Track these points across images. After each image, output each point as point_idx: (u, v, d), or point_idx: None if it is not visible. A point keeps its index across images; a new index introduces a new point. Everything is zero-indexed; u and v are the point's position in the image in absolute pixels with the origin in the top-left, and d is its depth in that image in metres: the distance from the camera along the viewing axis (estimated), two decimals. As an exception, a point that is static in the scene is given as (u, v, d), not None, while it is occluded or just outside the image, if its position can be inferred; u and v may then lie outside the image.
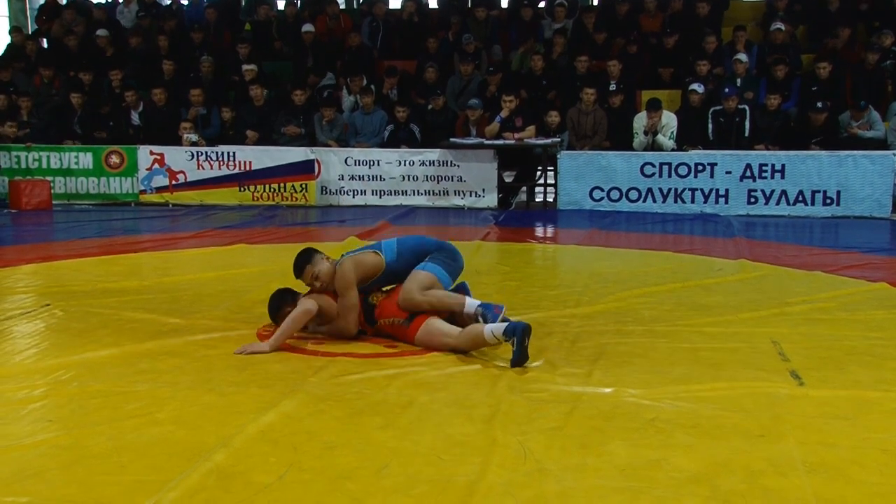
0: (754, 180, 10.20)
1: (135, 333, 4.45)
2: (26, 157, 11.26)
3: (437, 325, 4.27)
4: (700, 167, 10.32)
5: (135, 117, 11.82)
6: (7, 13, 19.07)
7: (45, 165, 11.29)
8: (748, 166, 10.19)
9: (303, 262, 4.47)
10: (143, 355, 4.05)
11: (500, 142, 10.75)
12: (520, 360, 3.89)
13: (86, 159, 11.31)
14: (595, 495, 2.52)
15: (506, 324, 4.00)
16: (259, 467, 2.71)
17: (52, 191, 11.07)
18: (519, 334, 3.89)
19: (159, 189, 11.24)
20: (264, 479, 2.62)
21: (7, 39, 14.92)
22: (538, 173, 11.36)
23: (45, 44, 14.12)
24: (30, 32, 14.91)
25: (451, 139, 10.91)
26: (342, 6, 15.65)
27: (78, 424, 3.11)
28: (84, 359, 3.97)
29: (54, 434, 3.02)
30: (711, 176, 10.29)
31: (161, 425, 3.13)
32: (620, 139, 10.83)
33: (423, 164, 10.95)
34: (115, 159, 11.28)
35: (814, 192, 10.08)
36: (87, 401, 3.39)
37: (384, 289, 4.58)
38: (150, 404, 3.36)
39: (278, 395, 3.42)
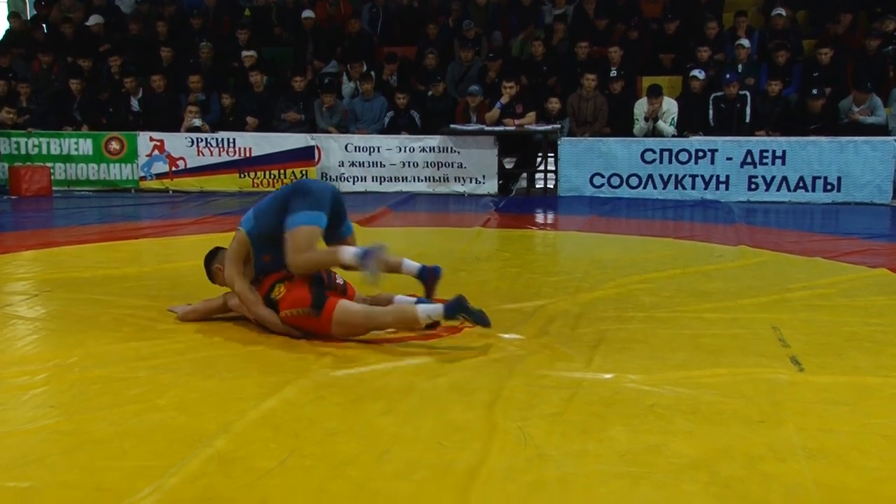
0: (755, 166, 10.20)
1: (136, 320, 4.45)
2: (26, 143, 11.24)
3: (353, 308, 4.01)
4: (701, 153, 10.31)
5: (134, 104, 11.79)
6: (5, -1, 19.00)
7: (44, 151, 11.27)
8: (749, 152, 10.19)
9: (208, 263, 4.52)
10: (144, 341, 4.05)
11: (501, 128, 10.73)
12: (484, 319, 3.91)
13: (86, 145, 11.30)
14: (595, 480, 2.53)
15: (442, 307, 3.90)
16: (260, 453, 2.72)
17: (52, 177, 11.06)
18: (463, 310, 3.87)
19: (159, 175, 11.23)
20: (265, 464, 2.62)
21: (6, 25, 14.87)
22: (538, 160, 11.35)
23: (44, 29, 14.06)
24: (28, 18, 14.85)
25: (452, 125, 10.89)
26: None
27: (79, 410, 3.12)
28: (85, 345, 3.98)
29: (56, 420, 3.02)
30: (712, 162, 10.29)
31: (162, 411, 3.13)
32: (621, 125, 10.81)
33: (423, 150, 10.94)
34: (115, 146, 11.27)
35: (814, 179, 10.08)
36: (89, 386, 3.39)
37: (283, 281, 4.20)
38: (151, 390, 3.36)
39: (280, 382, 3.42)
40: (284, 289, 4.13)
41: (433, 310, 3.96)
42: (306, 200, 4.14)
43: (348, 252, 4.04)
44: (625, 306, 4.81)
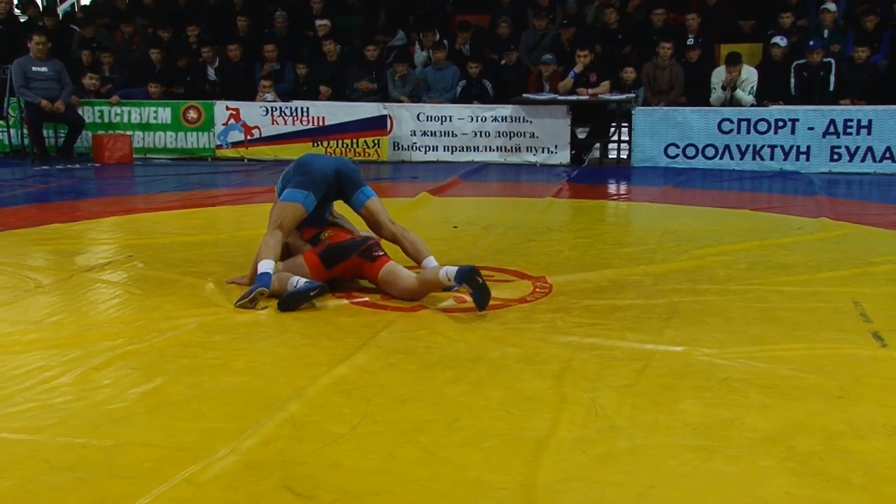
0: (838, 136, 9.87)
1: (212, 285, 4.55)
2: (109, 111, 11.54)
3: (399, 268, 4.31)
4: (780, 123, 10.02)
5: (211, 73, 11.98)
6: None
7: (126, 120, 11.56)
8: (832, 122, 9.86)
9: None
10: (219, 307, 4.14)
11: (574, 97, 10.60)
12: (482, 299, 3.96)
13: (164, 114, 11.55)
14: (667, 453, 2.50)
15: (456, 268, 4.02)
16: (332, 418, 2.76)
17: (133, 145, 11.35)
18: (468, 277, 3.94)
19: (235, 144, 11.42)
20: (338, 429, 2.67)
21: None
22: (612, 129, 11.19)
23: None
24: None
25: (524, 95, 10.80)
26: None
27: (158, 372, 3.21)
28: (163, 309, 4.09)
29: (136, 381, 3.12)
30: (792, 132, 9.99)
31: (237, 375, 3.20)
32: (698, 94, 10.57)
33: (495, 119, 10.88)
34: (192, 114, 11.49)
35: (902, 149, 9.71)
36: (167, 350, 3.49)
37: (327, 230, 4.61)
38: (227, 354, 3.44)
39: (350, 348, 3.47)
40: (332, 232, 4.54)
41: (450, 271, 4.07)
42: (297, 178, 4.48)
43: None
44: (699, 278, 4.72)
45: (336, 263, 4.36)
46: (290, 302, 4.03)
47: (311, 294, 4.06)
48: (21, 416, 2.77)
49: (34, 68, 10.81)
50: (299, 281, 4.15)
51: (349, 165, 4.67)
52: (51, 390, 2.99)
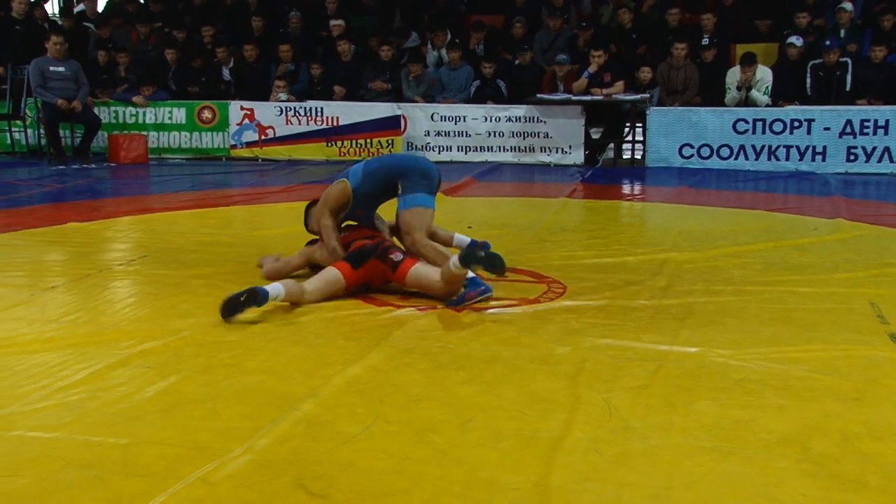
0: (854, 137, 9.81)
1: (226, 285, 4.56)
2: (124, 112, 11.59)
3: (426, 269, 4.27)
4: (796, 123, 9.96)
5: (226, 73, 12.03)
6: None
7: (141, 121, 11.61)
8: (848, 122, 9.80)
9: (308, 207, 4.82)
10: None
11: (588, 97, 10.58)
12: (495, 268, 3.95)
13: (179, 114, 11.60)
14: (682, 454, 2.49)
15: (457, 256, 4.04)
16: (346, 417, 2.77)
17: (148, 145, 11.40)
18: (470, 258, 3.94)
19: (249, 144, 11.46)
20: (351, 429, 2.67)
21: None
22: (626, 129, 11.16)
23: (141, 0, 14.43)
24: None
25: (538, 95, 10.78)
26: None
27: (174, 371, 3.22)
28: (179, 309, 4.10)
29: (152, 380, 3.13)
30: (808, 132, 9.94)
31: (252, 374, 3.21)
32: (713, 95, 10.52)
33: (509, 119, 10.88)
34: (207, 114, 11.53)
35: (921, 150, 9.64)
36: (183, 349, 3.50)
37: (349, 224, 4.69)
38: (241, 354, 3.45)
39: (364, 348, 3.47)
40: (360, 235, 4.58)
41: (454, 261, 4.06)
42: (424, 183, 4.49)
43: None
44: (714, 279, 4.70)
45: (361, 264, 4.31)
46: (226, 309, 3.85)
47: (242, 299, 3.84)
48: (37, 414, 2.78)
49: (52, 68, 10.87)
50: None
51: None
52: (67, 389, 3.00)
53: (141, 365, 3.31)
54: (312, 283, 4.19)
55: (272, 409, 2.82)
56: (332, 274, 4.26)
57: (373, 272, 4.34)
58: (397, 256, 4.34)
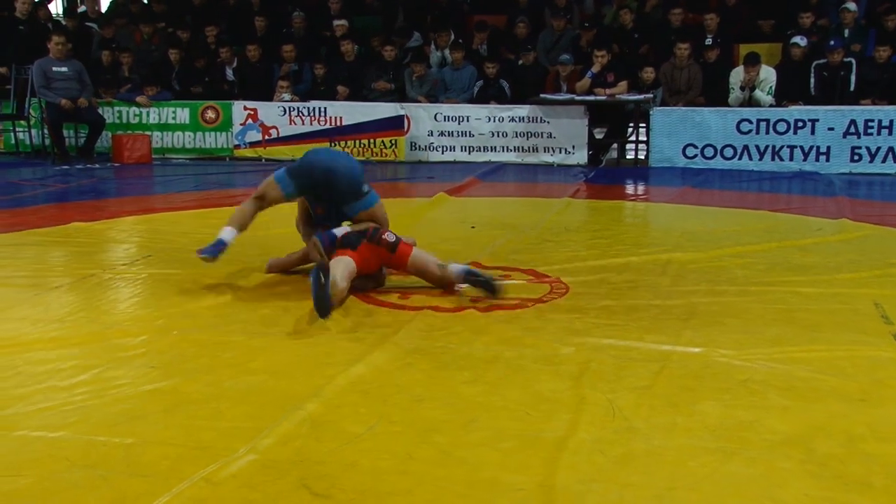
0: (859, 137, 9.78)
1: (230, 284, 4.58)
2: (128, 112, 11.60)
3: (425, 256, 4.40)
4: (800, 123, 9.94)
5: (229, 73, 12.03)
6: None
7: (144, 121, 11.62)
8: (852, 122, 9.78)
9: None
10: (238, 306, 4.16)
11: (591, 97, 10.57)
12: (492, 288, 4.15)
13: (183, 114, 11.60)
14: (685, 455, 2.49)
15: (461, 269, 4.26)
16: (349, 417, 2.77)
17: (152, 145, 11.40)
18: (470, 280, 4.17)
19: (253, 144, 11.46)
20: (355, 429, 2.67)
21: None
22: (629, 130, 11.15)
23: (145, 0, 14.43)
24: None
25: (542, 95, 10.78)
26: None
27: (177, 371, 3.22)
28: (182, 308, 4.11)
29: (156, 380, 3.13)
30: (812, 132, 9.91)
31: (255, 374, 3.22)
32: (716, 95, 10.51)
33: (512, 120, 10.87)
34: (210, 114, 11.54)
35: (925, 150, 9.62)
36: (186, 349, 3.51)
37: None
38: (245, 353, 3.46)
39: (367, 348, 3.47)
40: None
41: (457, 270, 4.26)
42: (295, 162, 4.67)
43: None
44: (717, 279, 4.70)
45: (356, 247, 4.31)
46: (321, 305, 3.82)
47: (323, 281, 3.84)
48: (41, 414, 2.79)
49: (54, 68, 10.88)
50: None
51: (348, 172, 4.51)
52: (71, 388, 3.01)
53: (144, 364, 3.31)
54: (337, 273, 4.13)
55: (275, 408, 2.82)
56: (343, 260, 4.25)
57: (368, 254, 4.34)
58: (391, 237, 4.37)
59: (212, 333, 3.71)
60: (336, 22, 12.20)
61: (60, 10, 15.88)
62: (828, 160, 9.91)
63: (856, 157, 9.84)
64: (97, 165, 10.70)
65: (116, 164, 10.89)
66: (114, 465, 2.42)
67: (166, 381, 3.12)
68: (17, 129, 11.72)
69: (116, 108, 11.59)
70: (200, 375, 3.19)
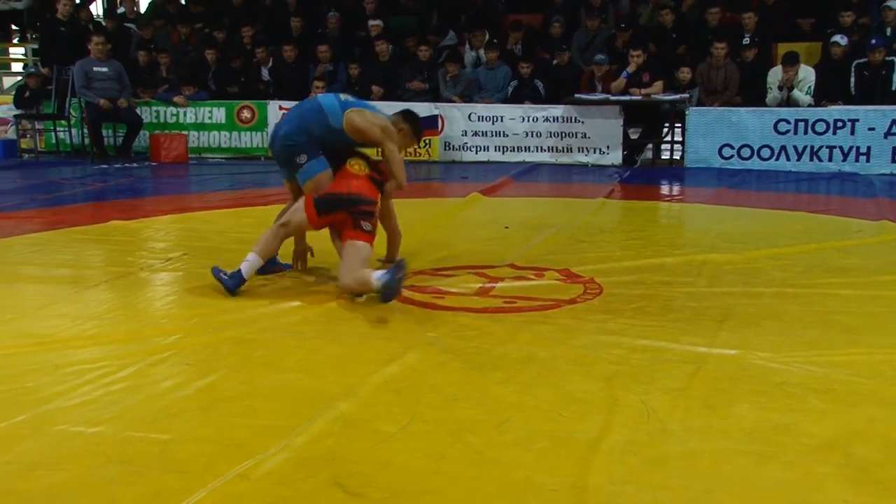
0: (900, 137, 9.61)
1: (264, 283, 4.60)
2: (165, 111, 11.73)
3: (344, 257, 4.31)
4: (840, 123, 9.79)
5: (265, 73, 12.12)
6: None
7: (181, 120, 11.74)
8: (894, 122, 9.61)
9: None
10: (271, 304, 4.18)
11: (627, 97, 10.50)
12: (385, 294, 3.96)
13: (219, 114, 11.71)
14: (720, 458, 2.47)
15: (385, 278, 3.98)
16: (383, 417, 2.77)
17: (188, 145, 11.52)
18: (391, 285, 3.94)
19: (287, 144, 11.49)
20: (388, 428, 2.68)
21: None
22: (665, 130, 11.06)
23: (182, 1, 14.58)
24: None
25: (576, 95, 10.73)
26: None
27: (212, 369, 3.25)
28: (217, 307, 4.14)
29: (191, 377, 3.17)
30: (852, 133, 9.76)
31: (288, 372, 3.24)
32: (754, 94, 10.38)
33: (546, 120, 10.83)
34: (246, 114, 11.63)
35: (969, 150, 9.43)
36: (220, 347, 3.54)
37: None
38: (278, 352, 3.48)
39: (401, 348, 3.48)
40: (354, 164, 4.62)
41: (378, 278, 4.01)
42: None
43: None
44: (753, 281, 4.64)
45: (328, 213, 4.39)
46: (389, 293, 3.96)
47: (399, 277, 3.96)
48: (80, 409, 2.83)
49: (95, 69, 11.05)
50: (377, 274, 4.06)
51: (279, 138, 4.70)
52: (108, 385, 3.05)
53: (180, 362, 3.34)
54: (286, 216, 4.43)
55: (309, 407, 2.84)
56: (297, 208, 4.44)
57: (336, 220, 4.42)
58: (367, 226, 4.38)
59: (246, 331, 3.73)
60: (371, 22, 12.24)
61: (101, 12, 16.09)
62: (868, 161, 9.75)
63: (897, 158, 9.67)
64: (135, 164, 10.85)
65: (153, 164, 11.02)
66: (150, 461, 2.45)
67: (201, 378, 3.15)
68: (57, 129, 11.92)
69: (154, 108, 11.73)
70: (235, 373, 3.21)
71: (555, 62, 11.33)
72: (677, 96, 10.43)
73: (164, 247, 5.74)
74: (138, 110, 11.51)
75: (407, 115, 4.85)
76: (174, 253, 5.45)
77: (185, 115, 11.72)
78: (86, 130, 11.45)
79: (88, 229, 6.18)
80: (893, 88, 9.93)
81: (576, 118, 10.72)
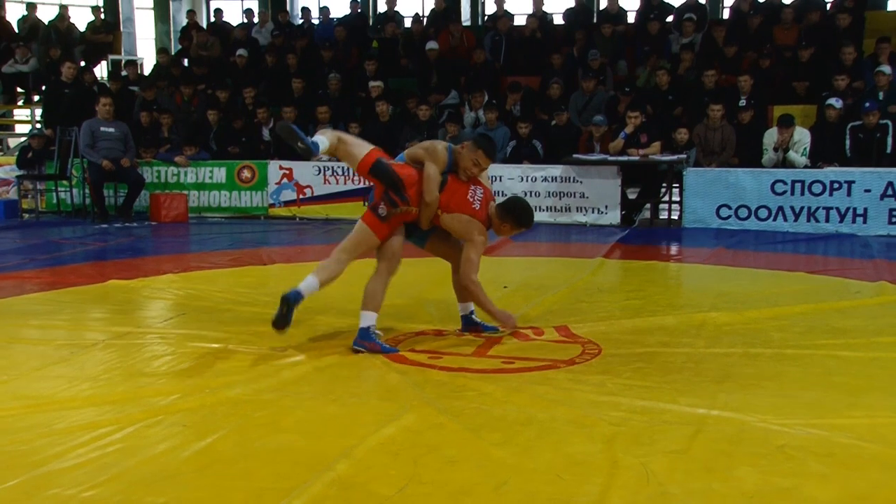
0: (896, 199, 9.67)
1: (263, 344, 4.59)
2: (166, 171, 11.83)
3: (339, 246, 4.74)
4: (836, 185, 9.86)
5: (265, 133, 12.25)
6: (154, 36, 20.29)
7: (182, 180, 11.83)
8: (890, 184, 9.67)
9: None
10: (270, 365, 4.17)
11: (625, 158, 10.59)
12: (276, 322, 4.34)
13: (219, 174, 11.80)
14: (721, 523, 2.44)
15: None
16: (380, 479, 2.75)
17: (188, 204, 11.59)
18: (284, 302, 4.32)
19: (287, 203, 11.59)
20: (385, 490, 2.65)
21: (154, 61, 15.75)
22: (663, 190, 11.13)
23: (185, 63, 14.82)
24: (173, 54, 15.66)
25: (575, 155, 10.82)
26: (467, 24, 15.78)
27: (209, 431, 3.23)
28: (215, 367, 4.13)
29: (188, 439, 3.14)
30: (848, 194, 9.82)
31: (285, 434, 3.21)
32: (750, 155, 10.48)
33: (545, 179, 10.90)
34: (246, 174, 11.73)
35: (965, 213, 9.48)
36: (218, 408, 3.52)
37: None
38: (275, 413, 3.46)
39: (398, 408, 3.46)
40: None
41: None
42: None
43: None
44: (753, 342, 4.63)
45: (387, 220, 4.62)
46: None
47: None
48: (74, 472, 2.80)
49: (102, 129, 11.19)
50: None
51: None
52: (104, 447, 3.02)
53: (177, 423, 3.32)
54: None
55: (305, 469, 2.81)
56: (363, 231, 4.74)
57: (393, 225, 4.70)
58: (382, 211, 4.60)
59: (243, 391, 3.72)
60: (372, 83, 12.42)
61: (105, 74, 16.35)
62: (865, 222, 9.79)
63: (894, 220, 9.70)
64: (135, 224, 10.89)
65: (154, 223, 11.07)
66: (144, 525, 2.42)
67: (198, 440, 3.12)
68: (59, 189, 12.00)
69: (155, 168, 11.83)
70: (231, 435, 3.19)
71: (553, 123, 11.46)
72: (675, 157, 10.52)
73: (162, 306, 5.74)
74: (140, 170, 11.61)
75: (478, 139, 4.96)
76: (172, 313, 5.44)
77: (186, 174, 11.82)
78: (87, 190, 11.53)
79: (87, 289, 6.19)
80: (888, 151, 10.04)
81: (574, 178, 10.79)
